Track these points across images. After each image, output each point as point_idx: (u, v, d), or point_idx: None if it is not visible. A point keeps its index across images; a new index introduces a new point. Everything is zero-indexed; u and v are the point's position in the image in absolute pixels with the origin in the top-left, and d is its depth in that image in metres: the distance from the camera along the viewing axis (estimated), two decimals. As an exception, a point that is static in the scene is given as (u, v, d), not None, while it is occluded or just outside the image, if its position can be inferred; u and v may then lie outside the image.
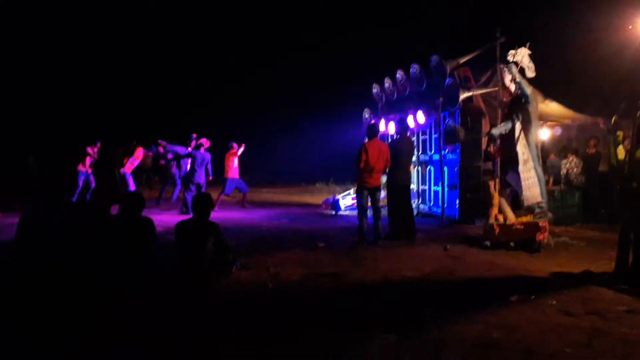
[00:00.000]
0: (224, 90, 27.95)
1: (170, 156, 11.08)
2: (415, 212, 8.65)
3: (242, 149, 10.75)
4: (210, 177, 10.02)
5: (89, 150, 11.10)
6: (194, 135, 10.45)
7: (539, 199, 6.81)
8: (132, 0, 24.65)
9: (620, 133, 5.24)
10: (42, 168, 16.20)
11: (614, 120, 5.28)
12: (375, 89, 10.80)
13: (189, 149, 10.27)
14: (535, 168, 6.90)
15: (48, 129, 21.74)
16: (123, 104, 25.53)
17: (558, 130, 10.02)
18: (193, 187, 9.58)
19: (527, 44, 7.02)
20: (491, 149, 7.46)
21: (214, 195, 10.78)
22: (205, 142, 9.93)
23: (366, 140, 6.69)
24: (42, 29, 23.20)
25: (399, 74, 9.67)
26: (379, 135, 6.99)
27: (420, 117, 8.83)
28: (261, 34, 28.80)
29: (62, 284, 3.97)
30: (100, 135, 11.66)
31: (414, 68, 9.06)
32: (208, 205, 4.41)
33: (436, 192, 9.12)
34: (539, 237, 6.00)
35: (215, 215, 9.15)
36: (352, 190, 10.42)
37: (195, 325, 3.37)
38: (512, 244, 6.10)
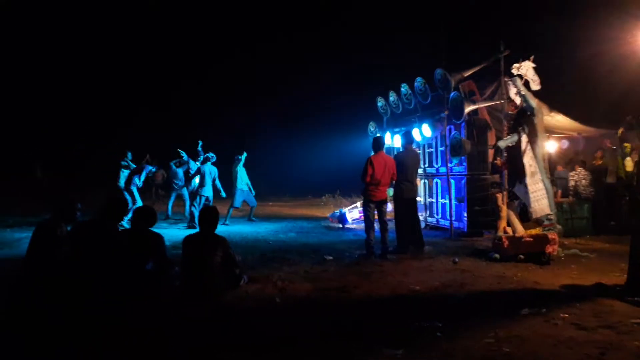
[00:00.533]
0: (230, 102, 28.22)
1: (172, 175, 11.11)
2: (422, 224, 8.61)
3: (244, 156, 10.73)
4: (222, 194, 10.03)
5: (122, 163, 9.94)
6: (201, 144, 10.53)
7: (548, 211, 6.77)
8: (135, 7, 25.06)
9: (627, 145, 5.24)
10: (50, 177, 16.21)
11: (621, 132, 5.29)
12: (380, 103, 10.88)
13: (197, 162, 10.37)
14: (542, 180, 6.88)
15: (56, 135, 21.86)
16: (124, 111, 25.74)
17: (565, 143, 10.00)
18: (201, 201, 9.63)
19: (532, 57, 7.07)
20: (498, 161, 7.46)
21: (223, 209, 10.86)
22: (212, 156, 10.03)
23: (372, 153, 6.72)
24: (47, 32, 23.55)
25: (404, 88, 9.75)
26: (384, 149, 7.01)
27: (426, 130, 8.87)
28: (267, 46, 29.17)
29: (68, 295, 4.01)
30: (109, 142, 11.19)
31: (419, 82, 9.13)
32: (214, 219, 4.43)
33: (444, 205, 9.10)
34: (549, 249, 5.95)
35: (222, 229, 9.18)
36: (359, 204, 10.41)
37: (201, 338, 3.37)
38: (521, 256, 6.05)
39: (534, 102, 6.93)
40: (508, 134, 7.19)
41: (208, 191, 9.75)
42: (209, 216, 4.42)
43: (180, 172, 11.17)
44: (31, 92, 23.29)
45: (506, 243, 6.19)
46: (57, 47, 23.88)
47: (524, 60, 7.11)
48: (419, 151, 9.24)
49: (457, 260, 6.13)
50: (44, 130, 21.65)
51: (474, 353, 3.05)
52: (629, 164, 5.14)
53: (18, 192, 14.30)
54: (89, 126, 23.57)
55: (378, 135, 9.15)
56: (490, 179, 8.22)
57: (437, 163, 9.38)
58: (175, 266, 4.54)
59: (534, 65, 7.09)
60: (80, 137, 22.53)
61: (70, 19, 23.87)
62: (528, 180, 6.80)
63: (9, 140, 19.76)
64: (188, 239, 4.40)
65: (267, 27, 29.23)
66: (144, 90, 26.12)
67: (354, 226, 10.08)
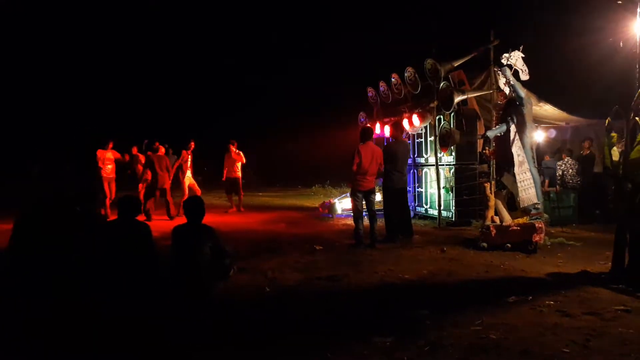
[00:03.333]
0: (221, 93, 27.96)
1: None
2: (411, 214, 8.65)
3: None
4: (170, 178, 9.69)
5: (101, 152, 9.78)
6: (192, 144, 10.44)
7: (535, 200, 6.83)
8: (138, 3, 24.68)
9: (614, 134, 5.27)
10: (47, 177, 15.83)
11: (608, 122, 5.32)
12: (370, 93, 10.83)
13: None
14: (530, 170, 6.93)
15: (52, 132, 21.51)
16: (121, 106, 25.46)
17: (552, 132, 10.09)
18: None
19: (521, 47, 7.07)
20: (486, 151, 7.49)
21: (218, 201, 10.79)
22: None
23: (360, 143, 6.71)
24: (45, 30, 23.15)
25: (394, 78, 9.71)
26: (374, 139, 6.98)
27: (416, 120, 8.86)
28: (259, 37, 28.89)
29: (56, 288, 3.96)
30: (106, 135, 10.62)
31: (408, 72, 9.10)
32: (200, 209, 4.35)
33: (432, 195, 9.14)
34: (536, 238, 6.02)
35: (212, 219, 9.10)
36: (348, 194, 10.41)
37: (192, 331, 3.35)
38: (508, 245, 6.11)
39: (523, 92, 6.95)
40: (497, 124, 7.21)
41: (163, 182, 9.49)
42: (195, 206, 4.36)
43: None
44: (26, 87, 22.92)
45: (494, 232, 6.25)
46: (65, 51, 23.49)
47: (513, 50, 7.11)
48: (408, 141, 9.24)
49: (445, 249, 6.18)
50: (40, 125, 21.31)
51: (461, 340, 3.07)
52: (615, 154, 5.18)
53: (6, 185, 14.02)
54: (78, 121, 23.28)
55: (366, 125, 9.13)
56: (479, 169, 8.27)
57: (426, 153, 9.40)
58: (163, 257, 4.49)
59: (523, 55, 7.09)
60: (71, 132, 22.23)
61: (75, 22, 23.46)
62: (516, 169, 6.84)
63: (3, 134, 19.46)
64: (177, 230, 4.34)
65: (256, 15, 28.92)
66: (143, 93, 25.83)
67: (343, 216, 10.09)
